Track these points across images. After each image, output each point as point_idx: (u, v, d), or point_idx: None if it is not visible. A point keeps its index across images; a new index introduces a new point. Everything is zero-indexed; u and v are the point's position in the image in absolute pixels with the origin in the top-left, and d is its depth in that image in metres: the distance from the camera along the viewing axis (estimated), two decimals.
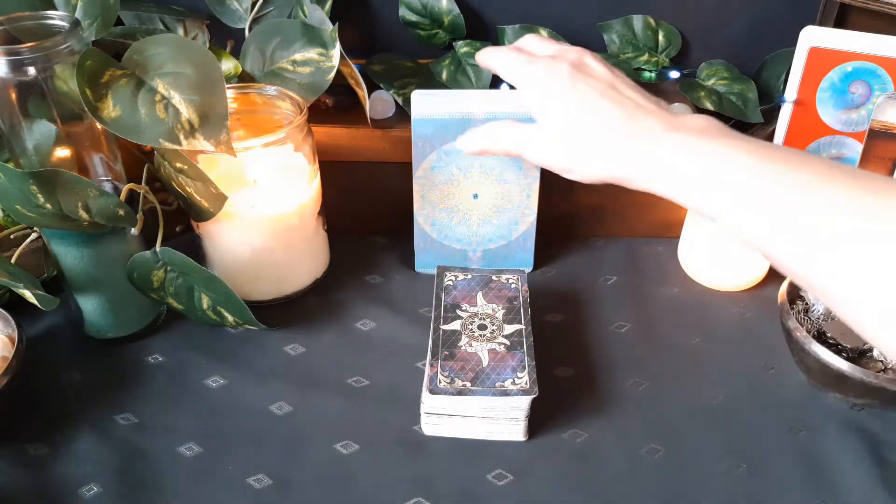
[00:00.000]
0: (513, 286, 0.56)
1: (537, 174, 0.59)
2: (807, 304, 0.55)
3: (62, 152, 0.49)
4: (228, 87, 0.54)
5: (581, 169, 0.45)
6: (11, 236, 0.55)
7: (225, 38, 0.66)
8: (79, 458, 0.48)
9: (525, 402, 0.47)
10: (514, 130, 0.49)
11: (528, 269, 0.65)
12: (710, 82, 0.71)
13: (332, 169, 0.62)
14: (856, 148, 0.65)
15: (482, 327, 0.52)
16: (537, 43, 0.50)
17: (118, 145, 0.53)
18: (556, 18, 0.71)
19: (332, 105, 0.65)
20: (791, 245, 0.36)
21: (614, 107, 0.43)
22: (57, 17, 0.47)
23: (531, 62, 0.47)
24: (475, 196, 0.60)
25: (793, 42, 0.64)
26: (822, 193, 0.35)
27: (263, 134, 0.52)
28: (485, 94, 0.55)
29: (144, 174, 0.54)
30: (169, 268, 0.53)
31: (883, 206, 0.33)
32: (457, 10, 0.69)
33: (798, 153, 0.38)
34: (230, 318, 0.55)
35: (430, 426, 0.50)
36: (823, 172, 0.36)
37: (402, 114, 0.64)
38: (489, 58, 0.50)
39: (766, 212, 0.37)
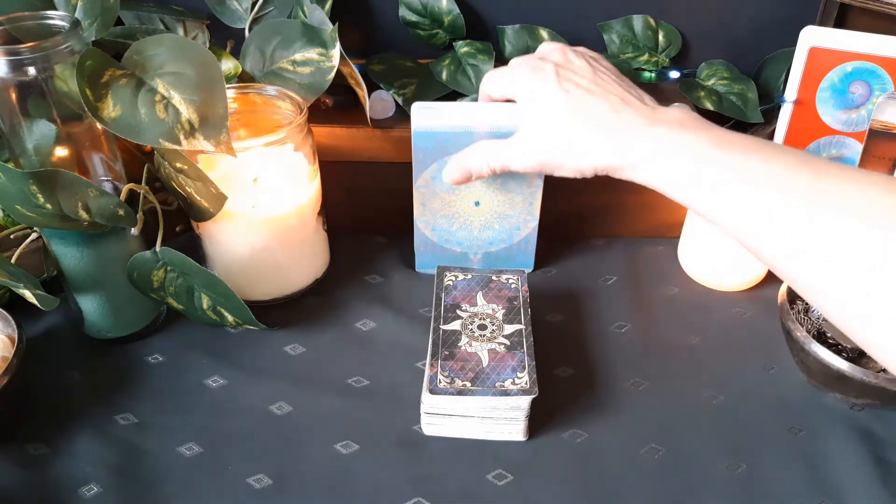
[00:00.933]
0: (513, 286, 0.56)
1: (541, 182, 0.59)
2: (807, 304, 0.55)
3: (62, 152, 0.49)
4: (228, 87, 0.54)
5: (572, 164, 0.47)
6: (11, 236, 0.55)
7: (225, 38, 0.66)
8: (79, 458, 0.48)
9: (525, 402, 0.47)
10: (496, 147, 0.51)
11: (529, 270, 0.65)
12: (710, 82, 0.71)
13: (332, 169, 0.62)
14: (856, 148, 0.65)
15: (482, 327, 0.52)
16: (519, 59, 0.52)
17: (118, 145, 0.53)
18: (556, 18, 0.71)
19: (332, 105, 0.65)
20: (769, 240, 0.38)
21: (600, 102, 0.45)
22: (57, 17, 0.47)
23: (515, 68, 0.49)
24: (476, 203, 0.60)
25: (793, 42, 0.64)
26: (792, 187, 0.36)
27: (263, 134, 0.52)
28: (485, 107, 0.54)
29: (144, 174, 0.54)
30: (169, 268, 0.53)
31: (841, 196, 0.35)
32: (457, 10, 0.69)
33: (770, 144, 0.40)
34: (230, 318, 0.55)
35: (430, 426, 0.50)
36: (789, 163, 0.37)
37: (402, 114, 0.64)
38: (482, 84, 0.52)
39: (742, 206, 0.38)
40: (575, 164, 0.46)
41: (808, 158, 0.37)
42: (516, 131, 0.49)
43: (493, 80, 0.51)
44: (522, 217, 0.61)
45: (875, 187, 0.34)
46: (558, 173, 0.48)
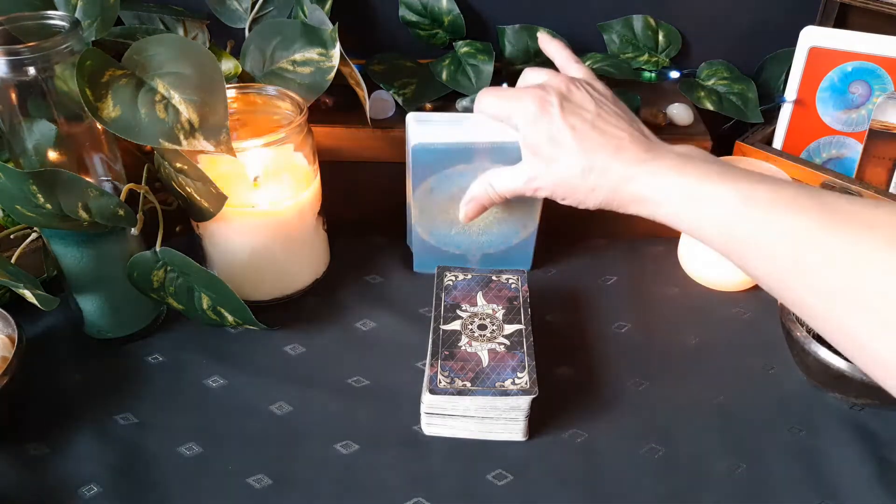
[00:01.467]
0: (513, 286, 0.56)
1: None
2: None
3: (62, 152, 0.49)
4: (228, 87, 0.54)
5: (578, 197, 0.48)
6: (11, 236, 0.55)
7: (225, 38, 0.66)
8: (79, 458, 0.48)
9: (525, 402, 0.47)
10: (504, 178, 0.51)
11: (528, 270, 0.65)
12: (710, 82, 0.71)
13: (332, 169, 0.62)
14: (856, 148, 0.65)
15: (482, 327, 0.52)
16: (517, 91, 0.50)
17: (118, 145, 0.53)
18: (556, 18, 0.71)
19: (332, 105, 0.65)
20: (771, 271, 0.38)
21: (604, 140, 0.46)
22: (57, 17, 0.47)
23: (519, 98, 0.48)
24: None
25: (793, 42, 0.64)
26: (798, 209, 0.37)
27: (263, 134, 0.52)
28: (482, 120, 0.52)
29: (144, 174, 0.54)
30: (169, 268, 0.53)
31: (847, 236, 0.35)
32: (457, 10, 0.69)
33: (774, 178, 0.40)
34: (230, 318, 0.55)
35: (430, 426, 0.50)
36: (795, 193, 0.38)
37: (403, 114, 0.64)
38: (478, 105, 0.51)
39: (745, 227, 0.39)
40: (581, 197, 0.47)
41: (813, 189, 0.38)
42: (515, 146, 0.49)
43: (491, 104, 0.50)
44: (522, 222, 0.61)
45: (879, 209, 0.35)
46: (565, 202, 0.49)
